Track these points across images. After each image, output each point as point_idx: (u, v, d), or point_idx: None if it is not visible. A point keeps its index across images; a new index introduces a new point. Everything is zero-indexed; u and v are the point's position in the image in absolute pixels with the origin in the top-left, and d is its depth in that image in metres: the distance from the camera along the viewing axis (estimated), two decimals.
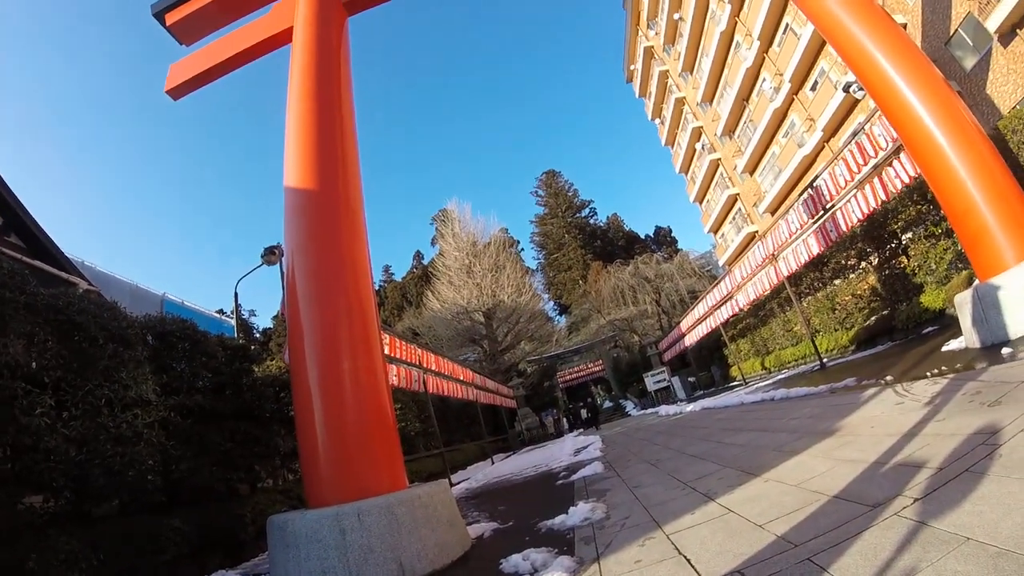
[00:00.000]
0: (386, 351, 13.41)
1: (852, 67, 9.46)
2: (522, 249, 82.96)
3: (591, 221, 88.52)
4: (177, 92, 9.41)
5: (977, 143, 7.85)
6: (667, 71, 46.16)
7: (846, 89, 17.07)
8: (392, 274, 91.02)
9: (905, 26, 20.62)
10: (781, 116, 31.17)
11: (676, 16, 40.23)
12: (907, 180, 11.15)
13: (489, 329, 40.13)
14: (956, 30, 18.57)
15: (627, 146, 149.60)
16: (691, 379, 32.36)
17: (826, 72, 26.28)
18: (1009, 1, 16.26)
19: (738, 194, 40.14)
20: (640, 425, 18.88)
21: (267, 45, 8.96)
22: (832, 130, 26.39)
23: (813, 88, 27.68)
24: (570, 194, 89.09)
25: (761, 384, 17.52)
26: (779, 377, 17.74)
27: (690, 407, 17.31)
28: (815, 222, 14.25)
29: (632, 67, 53.04)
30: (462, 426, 23.75)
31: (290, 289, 6.28)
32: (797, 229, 14.95)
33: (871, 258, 15.80)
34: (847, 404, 7.21)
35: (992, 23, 16.95)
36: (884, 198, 11.89)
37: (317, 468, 5.33)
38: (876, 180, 11.89)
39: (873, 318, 15.75)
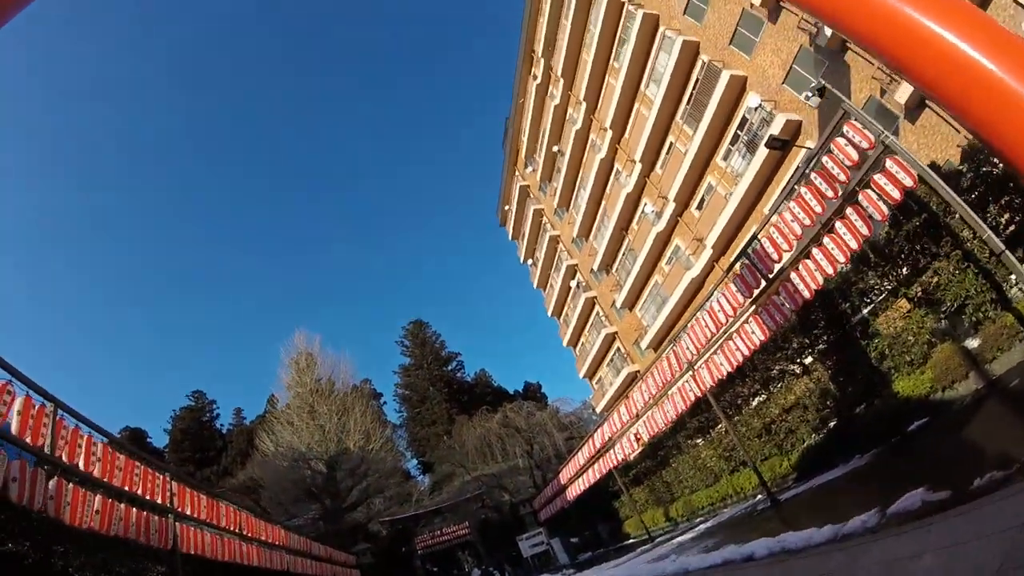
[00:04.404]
0: (76, 461, 7.72)
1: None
2: (384, 403, 77.17)
3: (458, 375, 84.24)
4: None
5: None
6: (542, 209, 44.72)
7: (771, 145, 14.17)
8: (244, 418, 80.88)
9: (800, 124, 18.84)
10: (665, 240, 28.96)
11: (555, 149, 39.00)
12: (897, 197, 7.82)
13: (331, 482, 33.39)
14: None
15: (499, 298, 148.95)
16: (574, 540, 27.08)
17: (714, 187, 24.41)
18: None
19: (616, 332, 37.16)
20: None
21: None
22: (723, 247, 24.03)
23: (700, 206, 25.69)
24: (437, 345, 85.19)
25: (680, 539, 12.85)
26: (703, 527, 13.17)
27: None
28: (755, 299, 10.47)
29: (507, 207, 51.57)
30: None
31: None
32: (728, 316, 11.02)
33: (805, 355, 12.12)
34: None
35: (899, 98, 15.67)
36: (866, 233, 8.31)
37: None
38: (851, 211, 8.39)
39: (816, 436, 11.88)
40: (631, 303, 34.02)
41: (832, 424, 11.55)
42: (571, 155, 36.56)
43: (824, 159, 8.86)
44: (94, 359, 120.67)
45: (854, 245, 8.57)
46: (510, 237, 53.80)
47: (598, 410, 42.14)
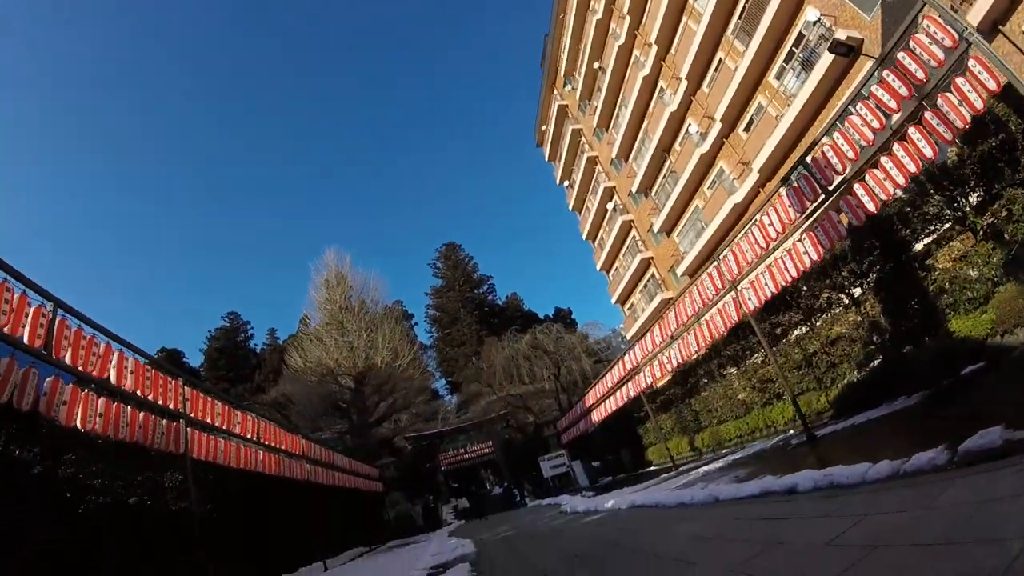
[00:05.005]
0: (77, 364, 7.21)
1: None
2: (416, 324, 78.06)
3: (489, 298, 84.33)
4: None
5: None
6: (580, 129, 43.34)
7: (835, 50, 12.94)
8: (277, 338, 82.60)
9: (862, 42, 17.23)
10: (708, 163, 27.57)
11: (596, 65, 37.32)
12: (980, 107, 6.98)
13: (358, 396, 33.64)
14: None
15: (534, 221, 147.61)
16: (595, 464, 26.94)
17: (764, 108, 22.87)
18: None
19: (652, 258, 36.25)
20: (536, 527, 12.97)
21: None
22: (770, 171, 22.66)
23: (748, 128, 24.24)
24: (469, 268, 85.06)
25: (706, 468, 12.28)
26: (731, 458, 12.59)
27: (610, 502, 11.61)
28: (810, 214, 9.48)
29: (544, 128, 50.04)
30: (298, 514, 16.90)
31: None
32: (779, 232, 10.04)
33: (855, 286, 11.22)
34: None
35: (971, 20, 13.71)
36: (948, 137, 7.33)
37: None
38: (930, 115, 7.40)
39: (859, 373, 11.11)
40: (669, 228, 32.96)
41: (877, 361, 10.76)
42: (612, 72, 34.85)
43: (900, 55, 7.78)
44: (134, 280, 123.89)
45: (929, 153, 7.50)
46: (547, 158, 52.54)
47: (628, 337, 41.69)
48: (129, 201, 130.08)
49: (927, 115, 7.47)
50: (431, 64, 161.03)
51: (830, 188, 8.96)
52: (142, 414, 8.15)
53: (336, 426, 36.54)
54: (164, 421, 8.69)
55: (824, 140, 9.07)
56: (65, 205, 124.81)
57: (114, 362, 7.82)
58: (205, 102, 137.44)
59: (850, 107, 8.64)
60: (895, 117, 8.27)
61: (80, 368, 7.21)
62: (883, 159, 8.05)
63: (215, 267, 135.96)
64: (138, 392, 8.18)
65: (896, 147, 7.86)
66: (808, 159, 9.39)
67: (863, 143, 8.32)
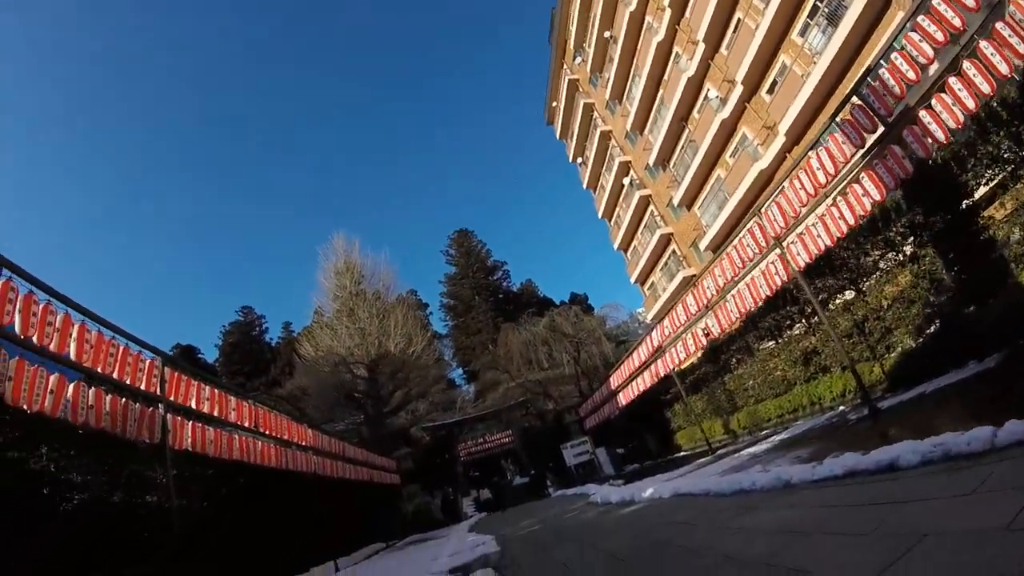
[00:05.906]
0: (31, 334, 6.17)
1: None
2: (431, 313, 77.18)
3: (503, 285, 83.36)
4: None
5: None
6: (592, 103, 41.89)
7: None
8: (292, 331, 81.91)
9: None
10: (730, 130, 26.15)
11: (607, 35, 35.82)
12: None
13: (372, 385, 32.62)
14: None
15: (547, 204, 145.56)
16: (620, 451, 25.69)
17: (789, 67, 21.41)
18: None
19: (672, 233, 34.81)
20: (565, 522, 11.64)
21: None
22: (797, 134, 21.28)
23: (771, 90, 22.81)
24: (482, 254, 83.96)
25: (752, 451, 11.01)
26: (777, 439, 11.28)
27: (648, 490, 10.34)
28: (869, 150, 8.16)
29: (554, 104, 48.59)
30: (309, 510, 15.83)
31: None
32: (830, 175, 8.73)
33: (908, 242, 9.88)
34: None
35: None
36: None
37: None
38: (1001, 25, 6.28)
39: (919, 338, 9.80)
40: (689, 201, 31.56)
41: (936, 325, 9.49)
42: (624, 41, 33.44)
43: None
44: (150, 278, 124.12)
45: (1004, 70, 6.32)
46: (558, 136, 51.10)
47: (649, 318, 40.40)
48: (144, 200, 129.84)
49: (998, 26, 6.28)
50: (436, 51, 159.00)
51: (890, 119, 7.68)
52: (109, 397, 7.08)
53: (351, 417, 35.69)
54: (138, 405, 7.59)
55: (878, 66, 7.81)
56: (76, 206, 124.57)
57: (74, 335, 6.74)
58: (217, 98, 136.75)
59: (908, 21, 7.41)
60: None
61: (35, 341, 6.18)
62: (951, 79, 6.81)
63: (230, 262, 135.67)
64: (98, 369, 7.05)
65: (966, 64, 6.63)
66: (863, 89, 8.10)
67: (924, 61, 7.11)
